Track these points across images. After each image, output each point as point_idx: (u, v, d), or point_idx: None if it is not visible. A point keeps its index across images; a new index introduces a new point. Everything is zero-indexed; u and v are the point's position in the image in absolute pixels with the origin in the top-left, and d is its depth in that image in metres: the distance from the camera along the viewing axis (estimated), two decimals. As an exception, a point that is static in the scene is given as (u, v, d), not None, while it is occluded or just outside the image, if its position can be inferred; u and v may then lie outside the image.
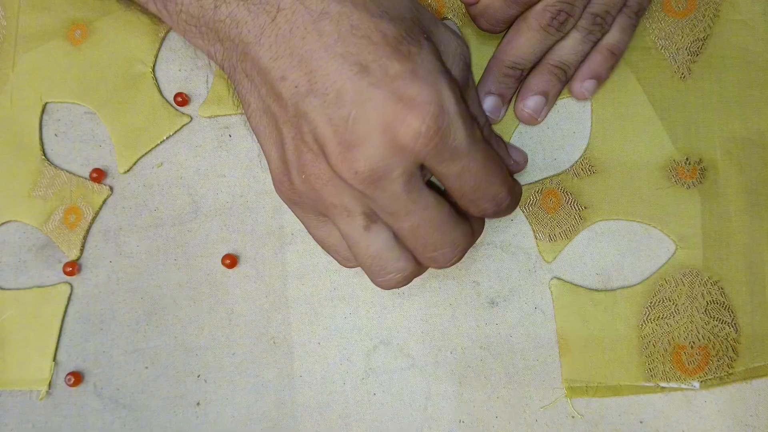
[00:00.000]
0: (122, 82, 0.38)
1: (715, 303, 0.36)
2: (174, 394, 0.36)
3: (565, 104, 0.37)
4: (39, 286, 0.37)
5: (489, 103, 0.36)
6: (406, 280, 0.32)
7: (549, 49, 0.36)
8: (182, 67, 0.38)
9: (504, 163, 0.32)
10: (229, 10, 0.29)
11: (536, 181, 0.37)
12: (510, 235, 0.37)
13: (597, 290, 0.36)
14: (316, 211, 0.31)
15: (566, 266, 0.36)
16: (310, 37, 0.27)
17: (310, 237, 0.37)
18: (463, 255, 0.32)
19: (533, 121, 0.37)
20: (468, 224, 0.32)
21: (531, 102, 0.36)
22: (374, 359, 0.36)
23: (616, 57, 0.36)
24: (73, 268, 0.36)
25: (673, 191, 0.37)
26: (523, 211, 0.37)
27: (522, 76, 0.36)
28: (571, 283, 0.36)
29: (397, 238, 0.31)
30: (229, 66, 0.31)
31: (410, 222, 0.29)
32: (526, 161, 0.36)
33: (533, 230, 0.37)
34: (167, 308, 0.36)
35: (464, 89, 0.31)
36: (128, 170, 0.38)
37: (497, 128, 0.37)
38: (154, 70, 0.38)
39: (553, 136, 0.37)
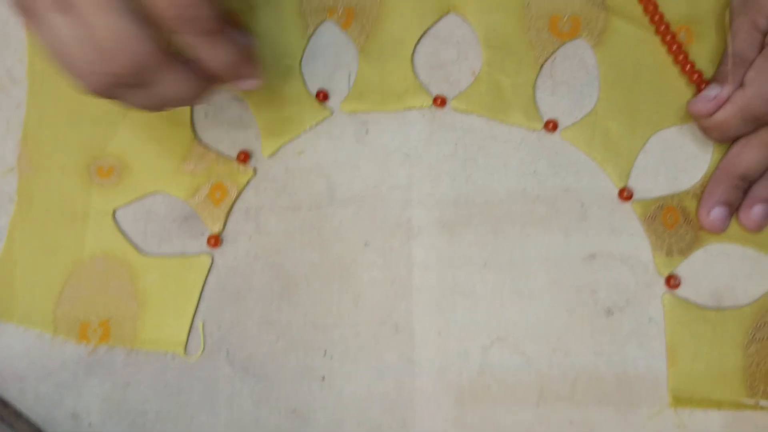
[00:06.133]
0: (271, 75, 0.40)
1: (821, 331, 0.37)
2: (301, 366, 0.37)
3: (690, 128, 0.39)
4: (182, 255, 0.39)
5: (718, 212, 0.38)
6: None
7: None
8: (326, 64, 0.41)
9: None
10: None
11: (658, 197, 0.39)
12: (630, 249, 0.38)
13: (707, 308, 0.38)
14: None
15: (681, 283, 0.38)
16: None
17: (436, 232, 0.39)
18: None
19: (758, 228, 0.38)
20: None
21: (758, 210, 0.37)
22: (491, 355, 0.37)
23: None
24: (216, 240, 0.38)
25: (785, 221, 0.38)
26: (643, 225, 0.38)
27: (749, 187, 0.38)
28: (684, 299, 0.38)
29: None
30: None
31: None
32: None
33: (651, 243, 0.38)
34: (300, 285, 0.38)
35: None
36: (272, 155, 0.40)
37: (623, 144, 0.39)
38: (300, 64, 0.41)
39: (677, 157, 0.39)
